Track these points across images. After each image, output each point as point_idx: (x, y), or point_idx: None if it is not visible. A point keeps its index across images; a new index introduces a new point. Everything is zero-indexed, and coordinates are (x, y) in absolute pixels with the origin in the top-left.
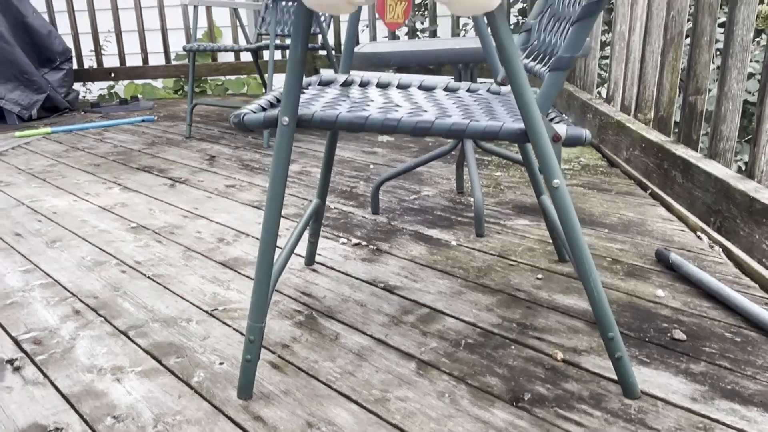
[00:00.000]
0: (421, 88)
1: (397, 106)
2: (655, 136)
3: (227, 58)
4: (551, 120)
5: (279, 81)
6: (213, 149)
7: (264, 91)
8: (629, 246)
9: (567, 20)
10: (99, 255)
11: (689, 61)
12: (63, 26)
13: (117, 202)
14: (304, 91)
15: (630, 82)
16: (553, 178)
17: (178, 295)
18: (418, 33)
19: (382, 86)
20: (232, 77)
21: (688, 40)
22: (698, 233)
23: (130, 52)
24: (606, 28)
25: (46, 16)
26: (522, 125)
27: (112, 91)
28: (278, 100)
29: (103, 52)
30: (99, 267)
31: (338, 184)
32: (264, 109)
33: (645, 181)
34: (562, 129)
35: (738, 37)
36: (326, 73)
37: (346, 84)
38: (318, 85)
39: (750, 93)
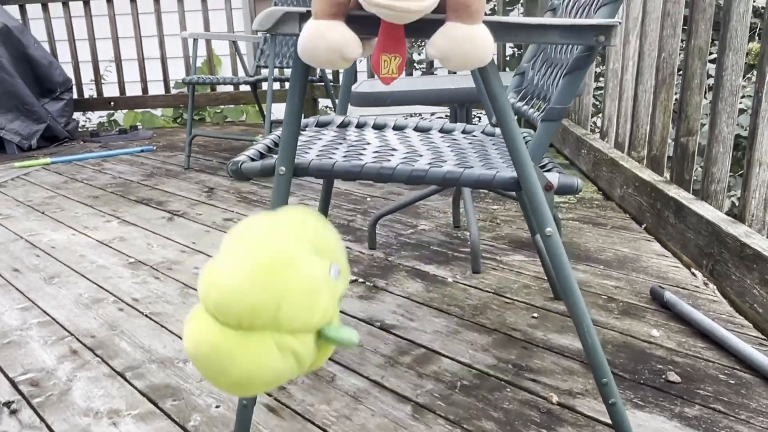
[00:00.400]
0: (416, 129)
1: (393, 150)
2: (648, 175)
3: (226, 88)
4: (544, 168)
5: (277, 110)
6: (211, 180)
7: (262, 120)
8: (624, 283)
9: (559, 66)
10: (97, 292)
11: (680, 103)
12: (63, 54)
13: (115, 236)
14: (302, 132)
15: (623, 119)
16: (546, 226)
17: (175, 335)
18: (415, 64)
19: (378, 128)
20: (231, 106)
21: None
22: (692, 270)
23: (130, 80)
24: (600, 59)
25: (47, 45)
26: (515, 173)
27: (112, 119)
28: (276, 144)
29: (103, 81)
30: (96, 304)
31: (336, 218)
32: (262, 155)
33: (639, 219)
34: (554, 178)
35: (727, 82)
36: (324, 117)
37: (343, 125)
38: (315, 126)
39: (742, 128)
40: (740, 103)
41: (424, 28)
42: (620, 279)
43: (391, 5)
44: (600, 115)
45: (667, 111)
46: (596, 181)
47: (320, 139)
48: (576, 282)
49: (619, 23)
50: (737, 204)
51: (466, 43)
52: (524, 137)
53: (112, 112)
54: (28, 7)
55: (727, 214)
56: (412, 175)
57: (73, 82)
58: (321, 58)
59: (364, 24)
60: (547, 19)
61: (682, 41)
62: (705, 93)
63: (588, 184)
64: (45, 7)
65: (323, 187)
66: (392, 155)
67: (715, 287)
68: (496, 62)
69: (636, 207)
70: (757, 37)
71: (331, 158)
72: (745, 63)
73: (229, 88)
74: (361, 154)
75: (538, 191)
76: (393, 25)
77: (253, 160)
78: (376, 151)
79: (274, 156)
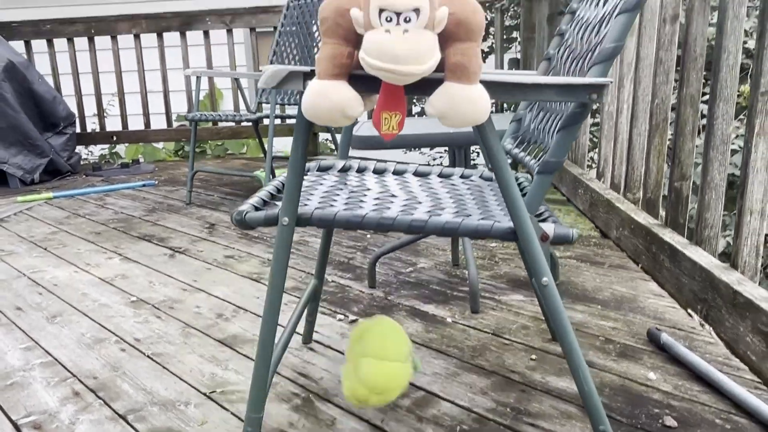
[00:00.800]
0: (416, 174)
1: (393, 196)
2: (643, 218)
3: (228, 123)
4: (540, 217)
5: (278, 144)
6: (213, 216)
7: (263, 155)
8: (621, 324)
9: (554, 114)
10: (99, 331)
11: (674, 148)
12: (67, 87)
13: (117, 274)
14: (304, 177)
15: (619, 160)
16: (542, 276)
17: (177, 376)
18: (414, 100)
19: (379, 172)
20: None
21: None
22: (689, 310)
23: (133, 113)
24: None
25: (51, 79)
26: (512, 224)
27: (114, 151)
28: (278, 190)
29: (106, 115)
30: (99, 344)
31: (336, 255)
32: (265, 203)
33: (636, 260)
34: (549, 228)
35: (718, 130)
36: (325, 162)
37: (344, 170)
38: (317, 171)
39: (736, 166)
40: (733, 143)
41: (423, 86)
42: (618, 320)
43: (392, 69)
44: (597, 149)
45: (661, 155)
46: (593, 220)
47: (321, 184)
48: (572, 331)
49: (611, 82)
50: (732, 244)
51: (464, 104)
52: (520, 183)
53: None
54: (34, 42)
55: (723, 253)
56: (412, 225)
57: (77, 115)
58: (324, 117)
59: (366, 83)
60: (543, 78)
61: (674, 88)
62: (700, 133)
63: (585, 222)
64: (50, 42)
65: (323, 237)
66: (392, 202)
67: (711, 329)
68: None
69: (632, 249)
70: (749, 78)
71: (332, 207)
72: (738, 104)
73: (231, 123)
74: (362, 201)
75: (534, 242)
76: (394, 84)
77: (256, 208)
78: (376, 198)
79: (277, 203)
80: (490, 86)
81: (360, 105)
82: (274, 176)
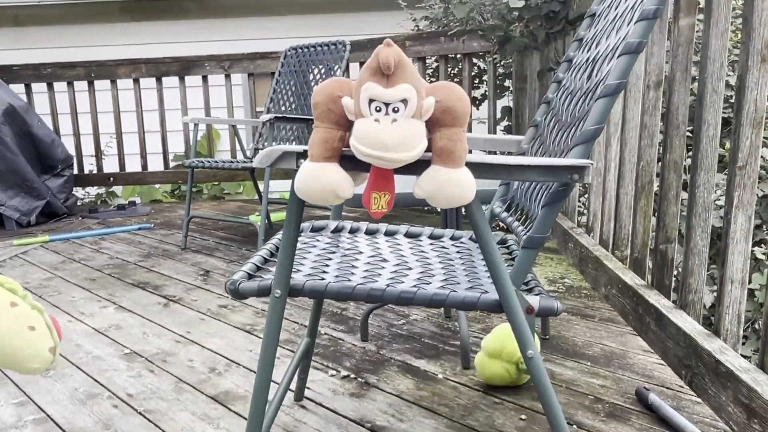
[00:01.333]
0: (407, 235)
1: (384, 261)
2: (630, 278)
3: None
4: (527, 286)
5: (274, 185)
6: (208, 263)
7: (259, 199)
8: (611, 381)
9: (539, 187)
10: (92, 386)
11: (658, 212)
12: (66, 127)
13: (111, 324)
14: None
15: (607, 217)
16: (527, 349)
17: None
18: None
19: (371, 233)
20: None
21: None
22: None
23: (130, 152)
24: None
25: (50, 120)
26: (498, 295)
27: (110, 190)
28: (272, 254)
29: (103, 156)
30: (91, 400)
31: (329, 306)
32: (259, 268)
33: (623, 320)
34: (534, 301)
35: (700, 198)
36: (318, 222)
37: (337, 230)
38: (311, 231)
39: (721, 218)
40: (719, 199)
41: (412, 167)
42: (607, 377)
43: (382, 156)
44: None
45: (647, 216)
46: (583, 275)
47: (315, 246)
48: (558, 405)
49: (592, 164)
50: (715, 311)
51: (451, 186)
52: (509, 246)
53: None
54: (34, 85)
55: (709, 309)
56: (401, 297)
57: (74, 157)
58: (316, 197)
59: (357, 163)
60: (526, 159)
61: (659, 151)
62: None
63: (577, 272)
64: (50, 86)
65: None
66: (383, 268)
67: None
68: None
69: (620, 308)
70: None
71: (324, 277)
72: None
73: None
74: (354, 266)
75: (519, 315)
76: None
77: (250, 275)
78: (368, 262)
79: (271, 269)
80: (476, 167)
81: (351, 186)
82: (269, 221)
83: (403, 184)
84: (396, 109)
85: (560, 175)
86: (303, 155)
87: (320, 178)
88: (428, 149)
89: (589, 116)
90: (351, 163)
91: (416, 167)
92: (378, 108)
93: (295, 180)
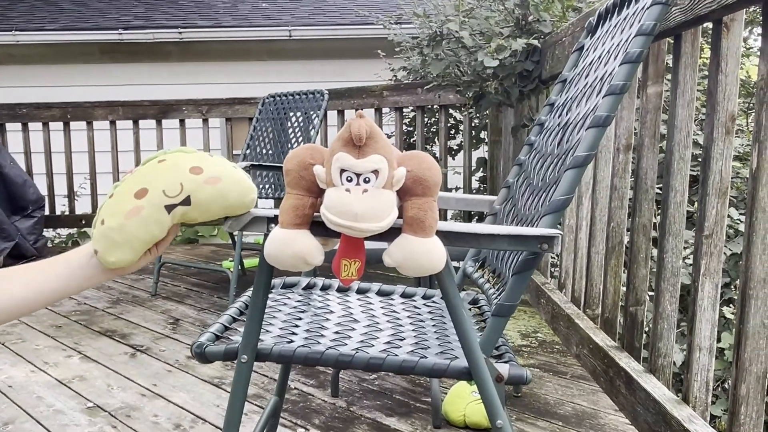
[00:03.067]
0: (379, 293)
1: (355, 321)
2: (601, 339)
3: None
4: (498, 351)
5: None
6: (178, 310)
7: (233, 243)
8: None
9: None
10: None
11: (628, 274)
12: (38, 166)
13: (75, 375)
14: (269, 294)
15: (579, 275)
16: (496, 419)
17: None
18: None
19: (342, 290)
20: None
21: None
22: None
23: (104, 194)
24: None
25: (23, 159)
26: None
27: (82, 230)
28: (241, 312)
29: (76, 198)
30: None
31: None
32: (226, 328)
33: (594, 381)
34: (504, 369)
35: (668, 263)
36: (290, 279)
37: (308, 287)
38: (282, 288)
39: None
40: (689, 257)
41: (383, 235)
42: None
43: (352, 226)
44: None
45: (618, 277)
46: (555, 332)
47: (285, 304)
48: None
49: (561, 234)
50: (684, 379)
51: (420, 256)
52: (481, 306)
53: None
54: (8, 125)
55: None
56: (370, 364)
57: (46, 197)
58: (286, 263)
59: (327, 230)
60: (496, 228)
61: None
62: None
63: (549, 328)
64: (25, 126)
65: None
66: (354, 329)
67: None
68: (450, 263)
69: (591, 368)
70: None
71: (292, 341)
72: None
73: None
74: (324, 328)
75: (488, 383)
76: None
77: (217, 336)
78: (338, 323)
79: (239, 331)
80: (447, 235)
81: (320, 253)
82: (242, 267)
83: (377, 237)
84: (367, 179)
85: (529, 244)
86: (273, 220)
87: (291, 245)
88: (399, 216)
89: (559, 186)
90: (321, 229)
91: (387, 235)
92: (349, 178)
93: (265, 246)
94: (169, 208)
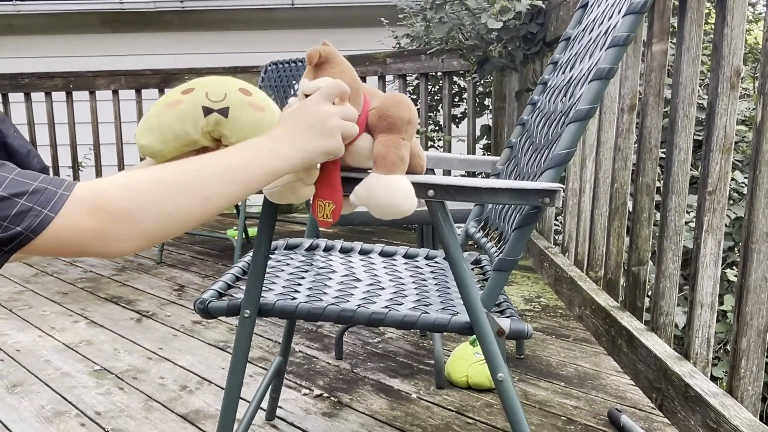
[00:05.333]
0: (381, 254)
1: (357, 280)
2: (603, 300)
3: None
4: (499, 307)
5: (253, 198)
6: (183, 277)
7: (237, 212)
8: (584, 403)
9: (513, 208)
10: (59, 404)
11: (631, 235)
12: (42, 137)
13: (82, 339)
14: (271, 255)
15: (582, 237)
16: (498, 371)
17: None
18: None
19: (345, 251)
20: None
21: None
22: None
23: (108, 164)
24: (564, 174)
25: (27, 130)
26: (468, 318)
27: None
28: (244, 272)
29: (81, 168)
30: (58, 418)
31: (303, 323)
32: (229, 286)
33: (595, 341)
34: (505, 324)
35: (671, 222)
36: (293, 240)
37: (311, 248)
38: (285, 249)
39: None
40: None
41: (357, 178)
42: (580, 398)
43: None
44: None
45: (620, 238)
46: (558, 295)
47: (288, 264)
48: (528, 427)
49: (562, 188)
50: (684, 336)
51: (381, 191)
52: (483, 267)
53: None
54: (11, 95)
55: (683, 329)
56: (371, 319)
57: (50, 168)
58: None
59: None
60: (497, 182)
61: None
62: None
63: (553, 293)
64: (27, 96)
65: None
66: (356, 287)
67: None
68: (450, 218)
69: (593, 329)
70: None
71: (295, 297)
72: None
73: None
74: (326, 286)
75: (489, 337)
76: (330, 172)
77: (220, 294)
78: (340, 282)
79: (242, 288)
80: (448, 189)
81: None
82: (247, 235)
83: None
84: None
85: (531, 198)
86: None
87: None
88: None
89: (561, 140)
90: None
91: (360, 180)
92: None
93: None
94: (206, 110)
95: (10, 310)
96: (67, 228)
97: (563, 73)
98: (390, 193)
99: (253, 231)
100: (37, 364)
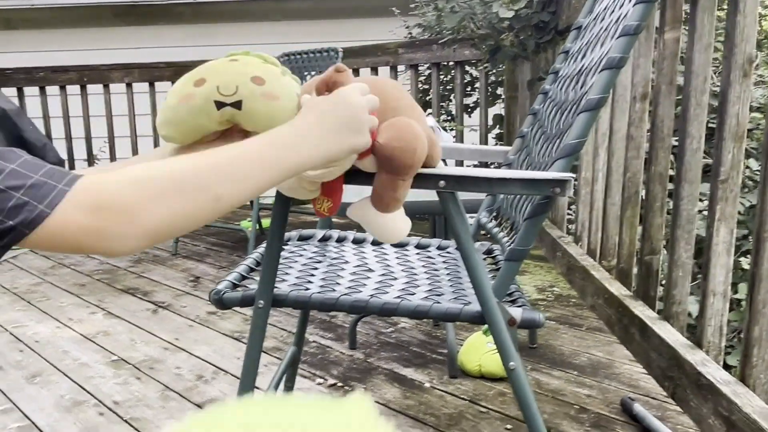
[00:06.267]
0: (394, 245)
1: (370, 270)
2: (616, 288)
3: None
4: (511, 297)
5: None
6: (198, 269)
7: (250, 204)
8: (597, 391)
9: (524, 198)
10: (78, 393)
11: (644, 223)
12: (57, 131)
13: (99, 330)
14: (284, 246)
15: (595, 227)
16: (509, 360)
17: None
18: None
19: (358, 242)
20: None
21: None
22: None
23: (122, 157)
24: (577, 163)
25: (42, 123)
26: (480, 307)
27: None
28: (257, 264)
29: (96, 161)
30: (77, 408)
31: (317, 313)
32: (244, 277)
33: (608, 330)
34: (517, 313)
35: (684, 211)
36: (306, 231)
37: (324, 239)
38: (297, 240)
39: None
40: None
41: (358, 178)
42: (593, 387)
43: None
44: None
45: (633, 227)
46: (571, 284)
47: (301, 255)
48: (540, 417)
49: (573, 177)
50: (697, 324)
51: (374, 224)
52: (495, 256)
53: None
54: (26, 89)
55: (696, 318)
56: (384, 309)
57: (66, 161)
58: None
59: None
60: (509, 172)
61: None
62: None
63: (565, 281)
64: (42, 90)
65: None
66: (369, 278)
67: None
68: (462, 208)
69: (606, 318)
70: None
71: (308, 287)
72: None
73: None
74: (339, 277)
75: (501, 326)
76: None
77: (235, 284)
78: (353, 272)
79: (256, 279)
80: (460, 180)
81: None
82: (260, 226)
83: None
84: None
85: (542, 188)
86: None
87: None
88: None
89: (572, 130)
90: None
91: (361, 179)
92: None
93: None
94: (219, 104)
95: (29, 302)
96: (63, 225)
97: (575, 62)
98: (381, 229)
99: (266, 222)
100: (56, 355)
